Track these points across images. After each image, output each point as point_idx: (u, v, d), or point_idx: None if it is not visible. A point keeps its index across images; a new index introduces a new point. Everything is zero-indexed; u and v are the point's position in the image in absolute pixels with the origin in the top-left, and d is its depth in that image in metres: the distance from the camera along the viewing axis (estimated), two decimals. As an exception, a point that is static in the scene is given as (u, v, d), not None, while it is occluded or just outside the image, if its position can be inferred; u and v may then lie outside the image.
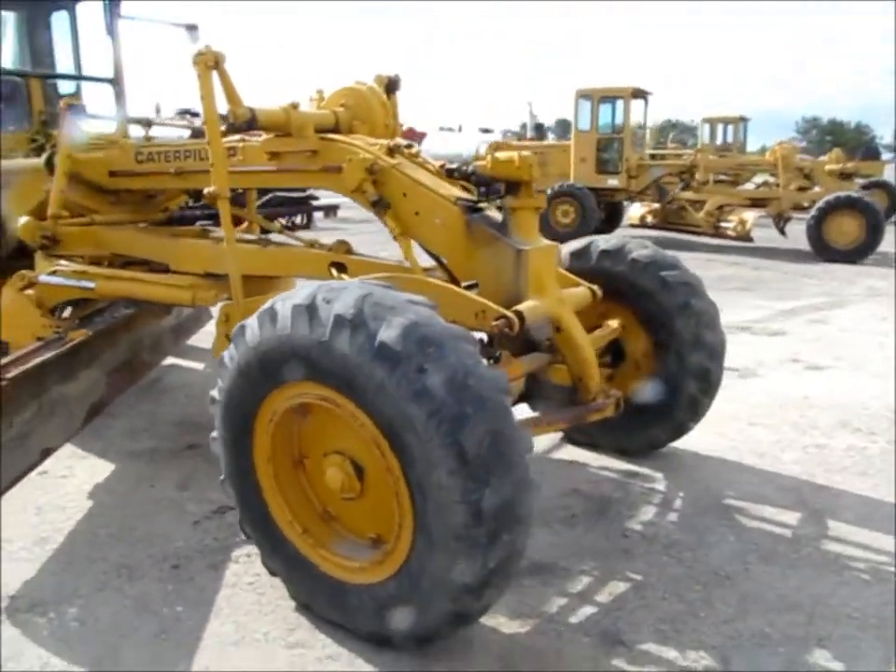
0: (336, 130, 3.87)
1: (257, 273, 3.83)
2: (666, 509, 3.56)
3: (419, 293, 3.22)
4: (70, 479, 3.85)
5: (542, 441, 4.32)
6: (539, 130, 19.72)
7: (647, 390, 3.81)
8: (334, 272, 3.64)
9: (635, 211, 15.95)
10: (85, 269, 4.00)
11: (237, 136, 3.84)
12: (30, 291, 4.00)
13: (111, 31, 5.79)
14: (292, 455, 2.76)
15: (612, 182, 14.34)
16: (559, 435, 4.36)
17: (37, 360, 3.50)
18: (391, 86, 4.29)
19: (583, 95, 14.43)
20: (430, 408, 2.16)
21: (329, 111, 3.91)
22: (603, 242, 4.11)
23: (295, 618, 2.68)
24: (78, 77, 5.87)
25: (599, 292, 3.62)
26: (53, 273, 4.01)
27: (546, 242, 3.35)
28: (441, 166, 3.48)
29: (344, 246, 3.86)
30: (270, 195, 11.88)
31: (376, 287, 2.50)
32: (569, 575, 2.97)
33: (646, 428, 4.02)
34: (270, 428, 2.65)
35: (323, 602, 2.62)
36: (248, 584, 2.89)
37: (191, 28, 6.30)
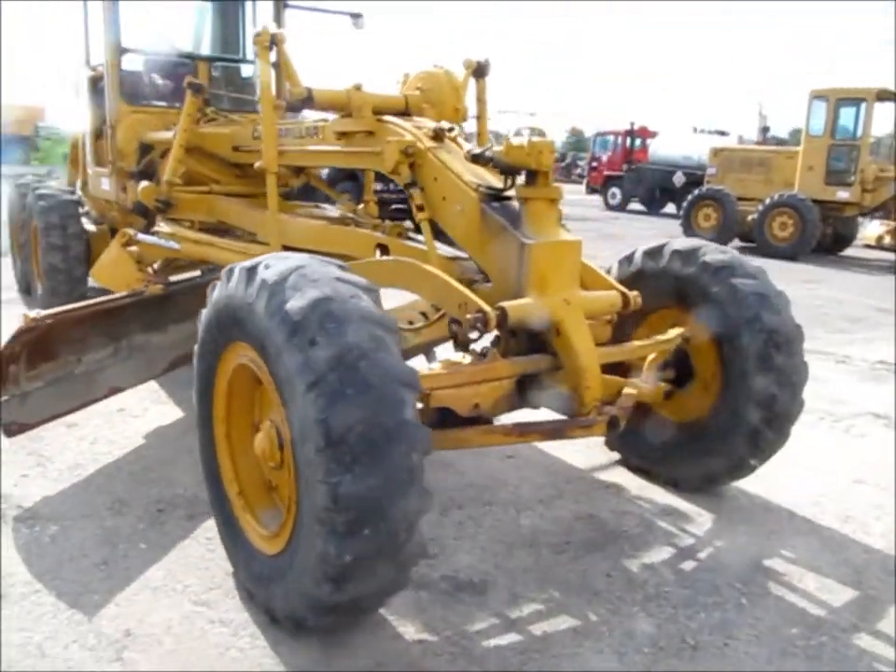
0: (406, 112, 3.88)
1: (305, 246, 3.95)
2: (682, 557, 3.07)
3: (408, 278, 3.18)
4: (139, 419, 4.26)
5: (589, 459, 3.97)
6: (765, 133, 17.82)
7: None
8: (378, 253, 3.64)
9: (872, 230, 13.96)
10: (175, 231, 4.38)
11: (320, 116, 3.98)
12: (133, 248, 4.46)
13: (277, 19, 6.24)
14: (251, 419, 2.81)
15: (842, 195, 12.60)
16: (614, 455, 3.96)
17: (106, 307, 3.92)
18: (479, 70, 4.20)
19: (818, 96, 12.81)
20: (310, 380, 2.09)
21: (399, 94, 3.93)
22: (679, 242, 3.68)
23: (222, 579, 2.73)
24: (241, 61, 6.40)
25: (636, 299, 3.23)
26: (153, 234, 4.44)
27: (565, 237, 3.05)
28: (468, 152, 3.31)
29: (397, 229, 3.86)
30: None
31: (317, 261, 2.45)
32: (515, 604, 2.68)
33: (700, 458, 3.52)
34: (224, 387, 2.73)
35: (240, 565, 2.64)
36: (206, 539, 2.99)
37: (356, 16, 6.59)
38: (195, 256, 4.38)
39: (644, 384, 3.46)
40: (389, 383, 2.14)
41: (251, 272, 2.40)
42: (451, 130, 3.48)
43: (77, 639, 2.36)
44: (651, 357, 3.52)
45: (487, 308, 2.79)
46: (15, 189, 7.14)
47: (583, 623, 2.58)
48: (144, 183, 4.64)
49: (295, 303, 2.19)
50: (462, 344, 3.14)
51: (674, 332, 3.53)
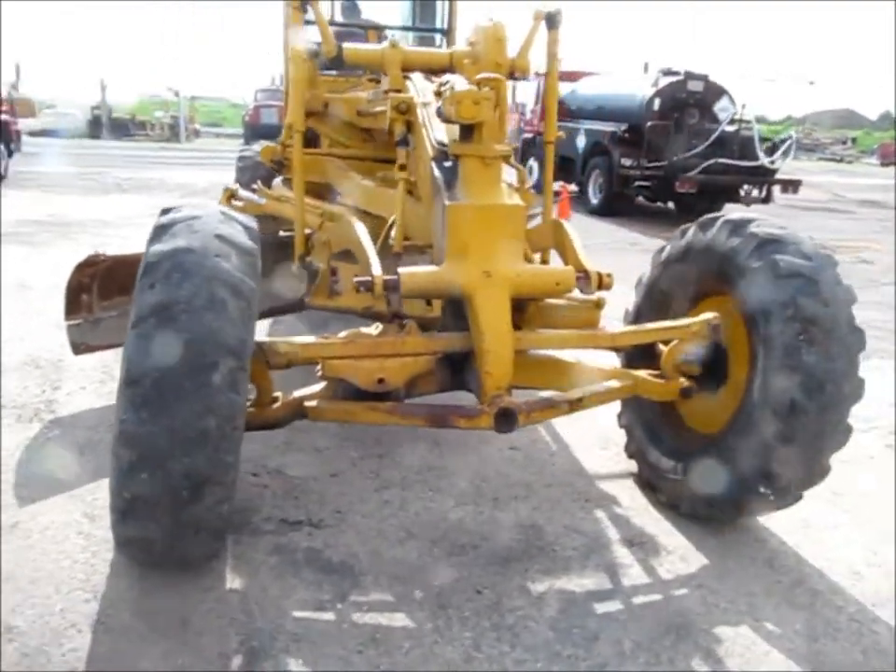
0: (451, 69, 3.73)
1: (361, 206, 3.97)
2: (592, 597, 2.49)
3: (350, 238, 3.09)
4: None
5: (606, 464, 3.45)
6: None
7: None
8: None
9: None
10: (265, 189, 4.68)
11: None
12: (239, 203, 4.85)
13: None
14: None
15: None
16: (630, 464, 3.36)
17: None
18: (550, 21, 3.80)
19: None
20: (133, 320, 2.13)
21: (445, 51, 3.78)
22: (740, 213, 3.00)
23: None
24: (412, 29, 6.46)
25: (606, 279, 2.72)
26: (253, 191, 4.79)
27: (500, 200, 2.64)
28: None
29: None
30: (711, 161, 11.06)
31: (221, 216, 2.43)
32: (351, 591, 2.45)
33: (704, 479, 2.84)
34: None
35: None
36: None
37: (533, -20, 6.30)
38: (271, 211, 4.63)
39: (632, 378, 2.92)
40: (204, 343, 2.08)
41: (164, 212, 2.46)
42: (444, 84, 3.21)
43: (-22, 518, 2.74)
44: (670, 346, 2.93)
45: (376, 273, 2.58)
46: None
47: (395, 630, 2.27)
48: (262, 143, 5.02)
49: (158, 247, 2.22)
50: (390, 314, 2.91)
51: (690, 320, 2.94)
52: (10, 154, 13.85)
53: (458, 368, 2.80)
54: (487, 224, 2.60)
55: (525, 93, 17.54)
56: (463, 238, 2.59)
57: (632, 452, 3.33)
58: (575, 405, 2.69)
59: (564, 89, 15.35)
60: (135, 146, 27.07)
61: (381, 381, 2.65)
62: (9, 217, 9.22)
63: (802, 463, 2.62)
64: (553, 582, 2.56)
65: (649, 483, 3.20)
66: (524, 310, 2.92)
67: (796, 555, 2.79)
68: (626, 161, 12.05)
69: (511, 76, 3.78)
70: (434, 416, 2.58)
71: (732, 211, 3.57)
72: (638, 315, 3.35)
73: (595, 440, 3.67)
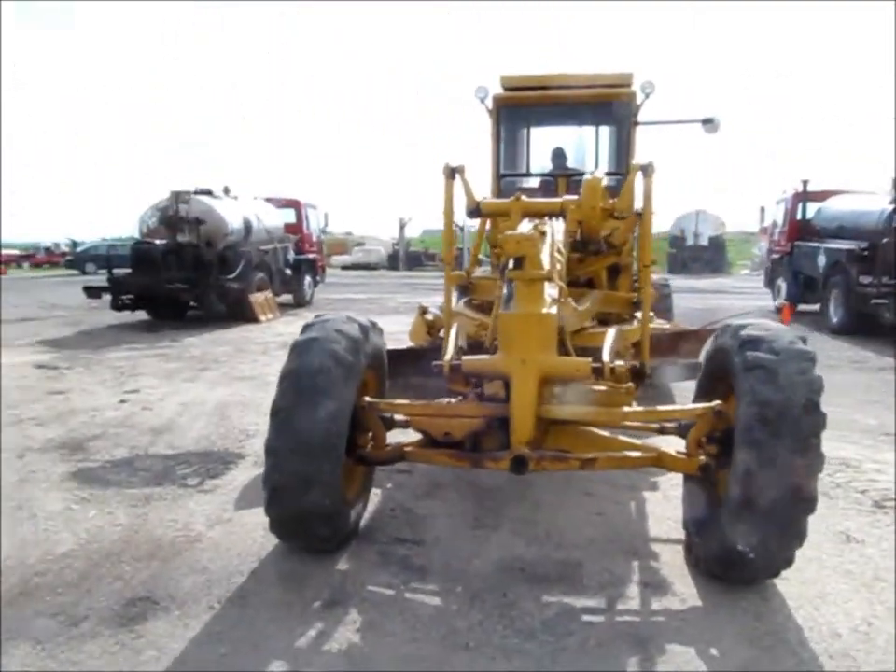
0: (562, 214, 4.79)
1: None
2: (598, 613, 3.22)
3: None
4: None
5: (671, 530, 4.04)
6: None
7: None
8: None
9: None
10: (445, 308, 6.07)
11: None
12: (428, 316, 6.31)
13: (629, 140, 7.33)
14: None
15: None
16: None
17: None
18: (644, 172, 4.74)
19: None
20: (280, 377, 3.56)
21: (557, 200, 4.86)
22: (746, 318, 3.70)
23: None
24: (582, 173, 7.59)
25: (621, 370, 3.55)
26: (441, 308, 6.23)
27: (541, 311, 3.64)
28: None
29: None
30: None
31: (347, 318, 3.86)
32: (417, 580, 3.49)
33: (706, 539, 3.47)
34: None
35: None
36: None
37: (707, 122, 7.18)
38: (446, 323, 5.97)
39: (656, 451, 3.63)
40: (314, 392, 3.41)
41: (316, 317, 3.98)
42: (537, 226, 4.31)
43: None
44: (693, 428, 3.62)
45: (446, 359, 3.74)
46: None
47: (428, 606, 3.27)
48: (454, 272, 6.47)
49: (300, 337, 3.70)
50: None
51: (696, 405, 3.67)
52: (316, 284, 17.54)
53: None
54: (525, 327, 3.59)
55: (776, 214, 17.60)
56: (508, 336, 3.62)
57: (684, 522, 3.91)
58: (587, 464, 3.50)
59: (811, 209, 15.27)
60: (424, 274, 31.39)
61: (447, 434, 3.75)
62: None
63: (765, 526, 3.09)
64: (563, 598, 3.33)
65: (688, 546, 3.76)
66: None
67: (789, 615, 3.18)
68: (864, 279, 11.69)
69: (611, 215, 4.81)
70: (473, 459, 3.62)
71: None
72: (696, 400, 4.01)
73: (673, 514, 4.25)
